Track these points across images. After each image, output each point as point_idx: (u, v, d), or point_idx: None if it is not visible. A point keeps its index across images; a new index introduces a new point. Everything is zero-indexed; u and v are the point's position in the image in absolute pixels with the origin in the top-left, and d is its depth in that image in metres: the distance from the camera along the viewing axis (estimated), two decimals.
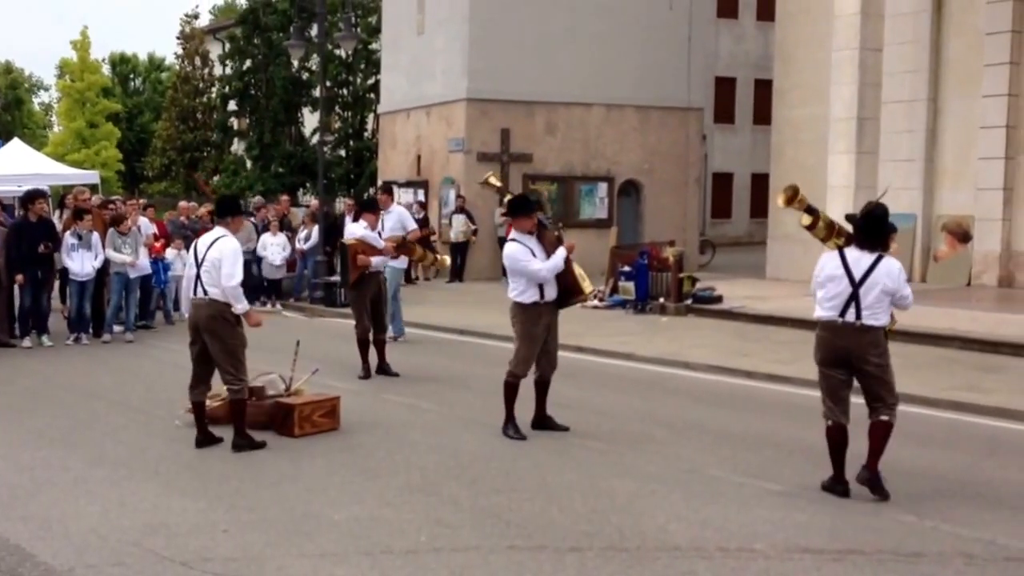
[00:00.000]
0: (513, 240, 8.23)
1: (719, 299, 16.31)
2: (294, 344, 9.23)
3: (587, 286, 8.47)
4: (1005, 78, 17.07)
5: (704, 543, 5.71)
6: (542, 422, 8.39)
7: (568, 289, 8.30)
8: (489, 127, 21.82)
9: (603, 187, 22.98)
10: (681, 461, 7.48)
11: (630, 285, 16.82)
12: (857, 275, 6.60)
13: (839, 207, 15.77)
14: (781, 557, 5.51)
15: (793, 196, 7.28)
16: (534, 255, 8.09)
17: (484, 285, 20.66)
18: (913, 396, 9.56)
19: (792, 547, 5.65)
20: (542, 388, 8.42)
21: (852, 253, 6.71)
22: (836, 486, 6.66)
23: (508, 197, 8.65)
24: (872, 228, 6.68)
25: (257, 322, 7.97)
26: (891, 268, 6.61)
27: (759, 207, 29.86)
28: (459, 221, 21.25)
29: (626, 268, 17.08)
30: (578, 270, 8.36)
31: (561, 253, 8.13)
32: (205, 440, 7.78)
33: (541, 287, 8.13)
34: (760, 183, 26.09)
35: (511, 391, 8.24)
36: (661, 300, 16.33)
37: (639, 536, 5.81)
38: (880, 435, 6.57)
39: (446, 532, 5.88)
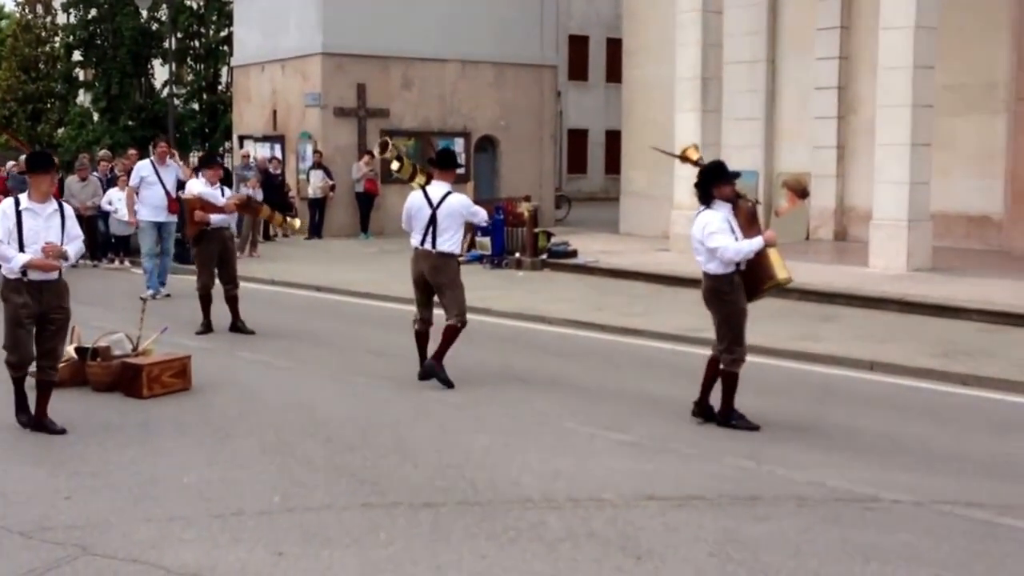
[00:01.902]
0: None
1: (574, 254, 16.61)
2: (140, 302, 8.97)
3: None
4: (836, 41, 17.88)
5: (555, 494, 5.86)
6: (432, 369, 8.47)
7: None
8: (345, 82, 21.46)
9: (460, 143, 22.94)
10: (535, 415, 7.64)
11: (486, 240, 16.94)
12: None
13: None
14: (628, 505, 5.70)
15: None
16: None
17: (342, 242, 20.45)
18: (756, 347, 9.96)
19: (639, 495, 5.85)
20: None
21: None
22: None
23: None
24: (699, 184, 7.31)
25: None
26: (697, 221, 7.28)
27: (614, 163, 30.40)
28: (317, 177, 20.91)
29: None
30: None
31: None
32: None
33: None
34: (614, 140, 26.55)
35: (454, 336, 8.50)
36: (517, 255, 16.52)
37: (492, 489, 5.93)
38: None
39: (300, 492, 5.85)
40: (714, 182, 7.29)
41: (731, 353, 7.32)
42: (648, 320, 11.52)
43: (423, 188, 8.52)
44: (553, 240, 17.13)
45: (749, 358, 9.76)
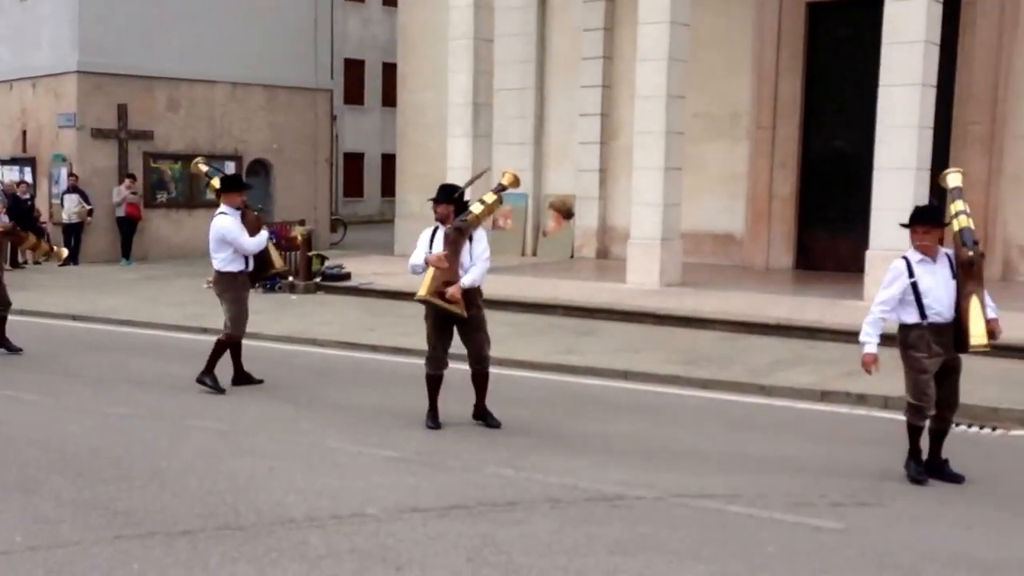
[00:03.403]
0: (223, 214, 9.15)
1: (348, 276, 16.65)
2: None
3: (278, 262, 9.70)
4: (599, 71, 18.87)
5: (319, 513, 5.93)
6: (242, 378, 9.43)
7: (264, 265, 9.52)
8: (105, 102, 20.59)
9: (231, 166, 22.47)
10: (302, 436, 7.68)
11: None
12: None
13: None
14: (392, 519, 5.85)
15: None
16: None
17: (101, 268, 19.58)
18: (518, 361, 10.45)
19: (402, 508, 6.02)
20: (235, 348, 9.42)
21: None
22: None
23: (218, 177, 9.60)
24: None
25: None
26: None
27: (389, 186, 30.64)
28: (71, 201, 19.93)
29: None
30: (272, 250, 9.56)
31: (265, 234, 9.32)
32: None
33: (246, 258, 9.22)
34: (390, 163, 26.81)
35: (222, 349, 9.23)
36: (291, 279, 16.39)
37: (255, 513, 5.93)
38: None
39: (45, 529, 5.63)
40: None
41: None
42: (419, 339, 11.67)
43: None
44: (327, 263, 17.12)
45: (513, 372, 10.26)
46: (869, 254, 13.28)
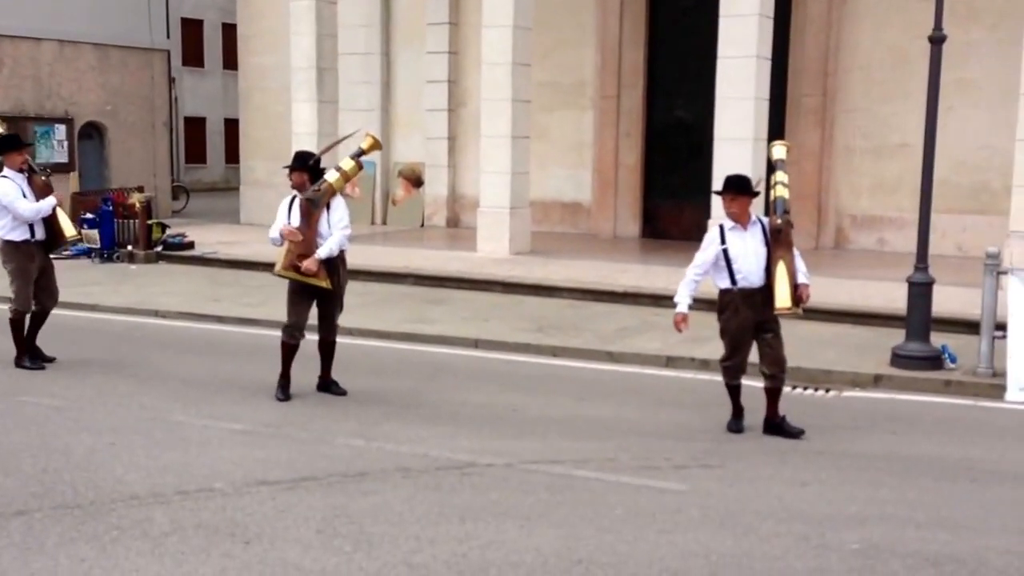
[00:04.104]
0: (4, 177, 8.56)
1: (191, 245, 16.15)
2: None
3: (70, 231, 8.91)
4: (446, 37, 18.78)
5: (163, 488, 5.77)
6: (33, 352, 8.86)
7: (55, 234, 8.80)
8: None
9: (62, 129, 21.36)
10: (144, 410, 7.43)
11: (94, 233, 16.02)
12: None
13: None
14: (239, 493, 5.75)
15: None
16: (24, 195, 8.50)
17: None
18: (368, 330, 10.40)
19: (251, 481, 5.91)
20: (40, 320, 8.92)
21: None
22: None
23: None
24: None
25: None
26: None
27: (233, 153, 29.72)
28: None
29: (89, 215, 16.23)
30: (63, 217, 8.86)
31: (51, 200, 8.64)
32: None
33: (31, 226, 8.58)
34: (234, 128, 26.00)
35: (17, 327, 8.75)
36: (130, 248, 15.79)
37: (94, 490, 5.72)
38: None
39: None
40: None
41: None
42: (265, 310, 11.50)
43: None
44: (168, 232, 16.54)
45: (363, 341, 10.19)
46: (711, 223, 13.72)
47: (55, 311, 11.48)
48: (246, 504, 5.57)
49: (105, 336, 10.35)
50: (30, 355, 8.82)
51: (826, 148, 16.28)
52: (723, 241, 6.93)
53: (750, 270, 6.90)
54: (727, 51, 13.53)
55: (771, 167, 7.39)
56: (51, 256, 9.02)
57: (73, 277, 13.79)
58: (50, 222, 8.68)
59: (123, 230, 16.09)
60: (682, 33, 17.23)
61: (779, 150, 7.44)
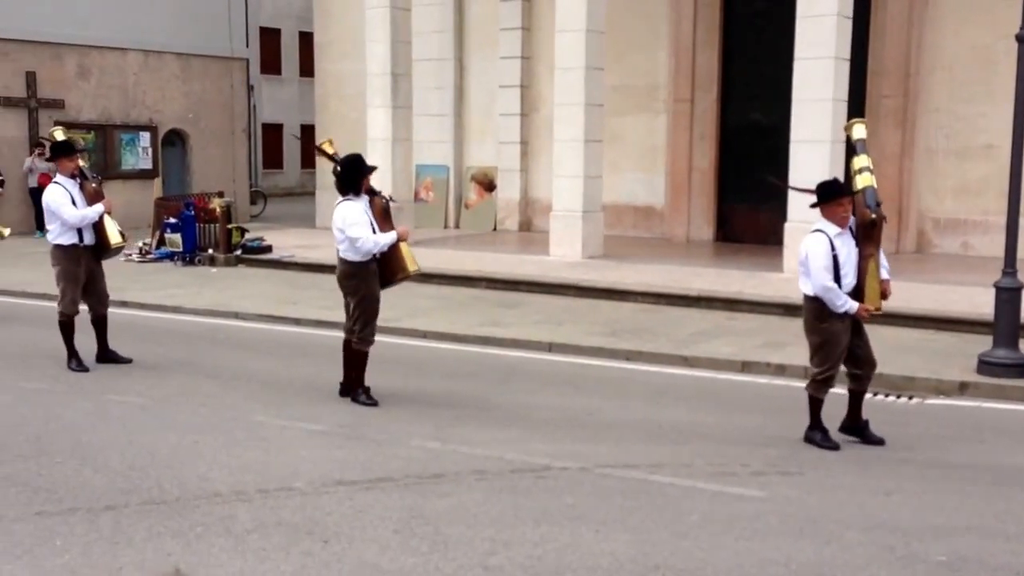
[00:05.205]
0: (56, 183, 8.71)
1: (268, 249, 16.43)
2: None
3: (115, 238, 8.89)
4: (519, 42, 18.82)
5: (245, 487, 5.89)
6: (105, 355, 9.04)
7: (103, 240, 8.88)
8: (11, 69, 19.88)
9: (146, 136, 21.97)
10: (226, 410, 7.59)
11: (177, 237, 16.40)
12: None
13: (379, 158, 16.56)
14: (317, 492, 5.84)
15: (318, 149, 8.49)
16: (74, 202, 8.63)
17: (15, 240, 18.91)
18: (442, 333, 10.47)
19: (329, 481, 6.00)
20: (100, 325, 9.07)
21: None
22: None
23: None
24: (337, 177, 7.72)
25: None
26: (340, 211, 7.65)
27: (309, 158, 30.25)
28: None
29: (172, 220, 16.62)
30: (110, 225, 8.80)
31: (98, 208, 8.72)
32: None
33: (80, 231, 8.70)
34: (310, 134, 26.42)
35: (66, 329, 8.84)
36: (210, 252, 16.13)
37: (179, 487, 5.86)
38: (349, 356, 8.00)
39: None
40: (357, 175, 7.72)
41: (361, 334, 7.84)
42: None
43: None
44: (247, 236, 16.85)
45: (437, 344, 10.27)
46: (788, 226, 13.56)
47: (141, 313, 11.92)
48: (325, 503, 5.65)
49: (188, 337, 10.59)
50: (106, 359, 9.05)
51: (907, 150, 15.94)
52: (833, 248, 6.66)
53: (852, 273, 6.71)
54: (804, 52, 13.33)
55: (851, 149, 7.00)
56: (101, 261, 9.09)
57: (156, 280, 14.19)
58: (99, 228, 8.81)
59: (204, 234, 16.44)
60: (757, 34, 17.03)
61: (860, 129, 6.99)
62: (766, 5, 16.89)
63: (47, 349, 9.66)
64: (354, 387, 7.88)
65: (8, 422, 7.17)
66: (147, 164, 21.99)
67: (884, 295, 6.73)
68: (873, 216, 6.62)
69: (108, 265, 9.25)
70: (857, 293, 6.70)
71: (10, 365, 9.05)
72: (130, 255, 16.33)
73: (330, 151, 8.26)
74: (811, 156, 13.18)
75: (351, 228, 7.56)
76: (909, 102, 15.86)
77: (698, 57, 17.37)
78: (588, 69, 14.97)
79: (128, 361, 9.10)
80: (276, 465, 6.30)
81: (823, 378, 6.85)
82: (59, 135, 9.49)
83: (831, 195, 6.71)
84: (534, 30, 18.81)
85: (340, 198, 7.76)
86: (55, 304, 9.07)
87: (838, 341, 6.76)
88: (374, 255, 7.75)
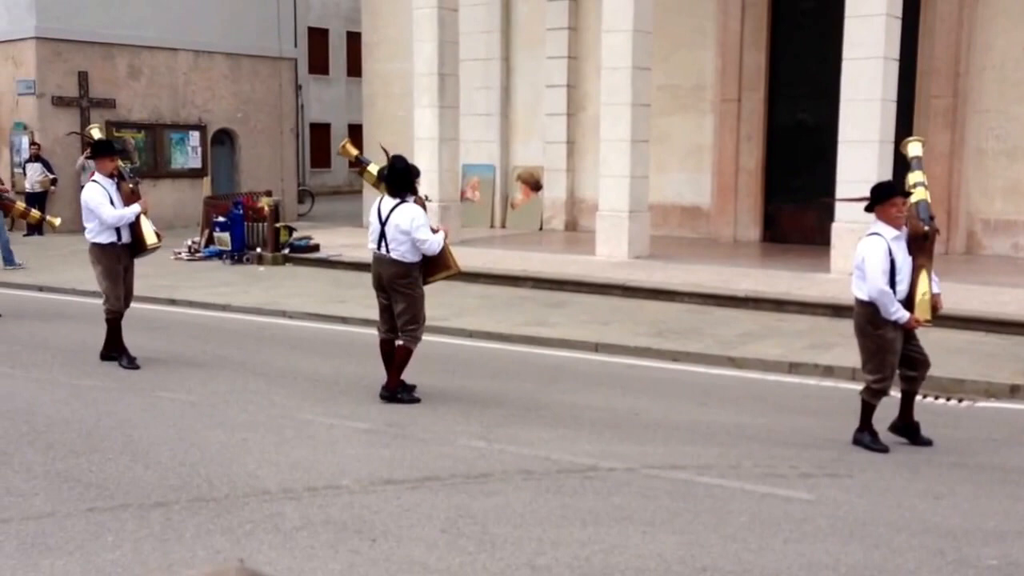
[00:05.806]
0: (94, 182, 8.86)
1: (316, 248, 16.57)
2: None
3: (151, 239, 8.99)
4: (565, 42, 18.81)
5: (293, 484, 5.94)
6: (109, 353, 9.12)
7: (139, 239, 9.00)
8: (64, 69, 20.26)
9: (195, 136, 22.26)
10: (274, 408, 7.66)
11: (225, 236, 16.60)
12: (383, 216, 7.74)
13: (426, 158, 16.63)
14: (365, 490, 5.88)
15: (343, 150, 8.73)
16: (112, 201, 8.79)
17: (67, 238, 19.30)
18: (490, 333, 10.49)
19: (376, 480, 6.05)
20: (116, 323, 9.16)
21: (385, 199, 7.82)
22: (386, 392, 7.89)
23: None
24: (393, 179, 7.77)
25: None
26: (405, 213, 7.67)
27: None
28: (34, 170, 19.67)
29: (220, 218, 16.82)
30: (146, 225, 9.00)
31: (135, 208, 8.88)
32: None
33: (118, 230, 8.87)
34: (357, 134, 26.60)
35: (113, 325, 9.02)
36: (258, 250, 16.30)
37: (228, 484, 5.93)
38: (400, 356, 7.87)
39: (17, 501, 5.61)
40: (409, 176, 7.85)
41: (415, 333, 7.88)
42: None
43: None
44: (295, 235, 17.01)
45: (483, 344, 10.28)
46: (835, 227, 13.41)
47: (191, 310, 12.08)
48: (372, 502, 5.69)
49: (236, 335, 10.71)
50: (109, 357, 9.09)
51: (956, 150, 15.70)
52: (890, 252, 6.58)
53: (905, 280, 6.62)
54: (853, 52, 13.18)
55: (906, 166, 7.10)
56: (135, 259, 9.23)
57: (205, 278, 14.37)
58: (135, 228, 8.95)
59: (252, 233, 16.62)
60: (804, 34, 16.87)
61: (915, 147, 7.09)
62: (813, 4, 16.72)
63: (98, 346, 9.83)
64: (393, 387, 7.92)
65: (61, 418, 7.30)
66: (196, 163, 22.28)
67: (935, 308, 6.65)
68: (926, 229, 6.63)
69: (159, 263, 9.43)
70: (908, 303, 6.64)
71: (63, 362, 9.22)
72: (179, 253, 16.56)
73: (354, 152, 8.54)
74: (859, 156, 13.03)
75: (419, 231, 7.67)
76: (959, 102, 15.62)
77: (745, 57, 17.24)
78: (635, 69, 14.91)
79: (136, 368, 8.89)
80: (324, 463, 6.35)
81: (879, 387, 6.78)
82: (96, 133, 9.64)
83: (886, 195, 6.67)
84: (581, 30, 18.78)
85: (388, 198, 7.80)
86: (101, 303, 9.22)
87: (893, 348, 6.69)
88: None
